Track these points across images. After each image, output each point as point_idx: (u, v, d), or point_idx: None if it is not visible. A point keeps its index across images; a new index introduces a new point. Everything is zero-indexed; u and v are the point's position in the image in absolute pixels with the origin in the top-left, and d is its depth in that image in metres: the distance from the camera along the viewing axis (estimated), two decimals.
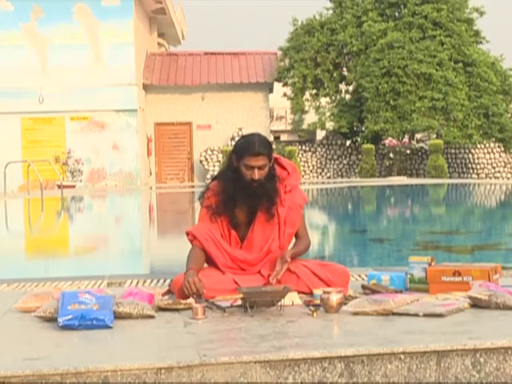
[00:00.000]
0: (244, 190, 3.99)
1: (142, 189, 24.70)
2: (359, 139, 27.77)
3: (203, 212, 4.15)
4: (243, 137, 4.07)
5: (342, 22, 27.93)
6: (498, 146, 28.05)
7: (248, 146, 3.97)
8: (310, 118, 30.16)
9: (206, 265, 4.13)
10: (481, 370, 2.86)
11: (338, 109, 27.91)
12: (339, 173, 28.25)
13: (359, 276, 4.81)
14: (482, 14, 28.13)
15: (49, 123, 25.98)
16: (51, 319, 3.44)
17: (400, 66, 26.07)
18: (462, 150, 28.09)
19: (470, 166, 28.10)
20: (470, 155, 28.21)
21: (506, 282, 4.05)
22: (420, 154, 28.15)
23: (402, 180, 24.73)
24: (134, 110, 26.03)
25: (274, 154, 4.12)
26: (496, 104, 26.56)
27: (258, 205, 4.04)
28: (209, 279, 3.92)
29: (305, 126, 31.19)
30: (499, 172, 28.14)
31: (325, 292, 3.58)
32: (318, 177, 28.12)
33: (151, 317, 3.52)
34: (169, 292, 4.03)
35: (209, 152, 27.39)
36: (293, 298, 3.78)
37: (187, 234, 4.12)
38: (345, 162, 28.41)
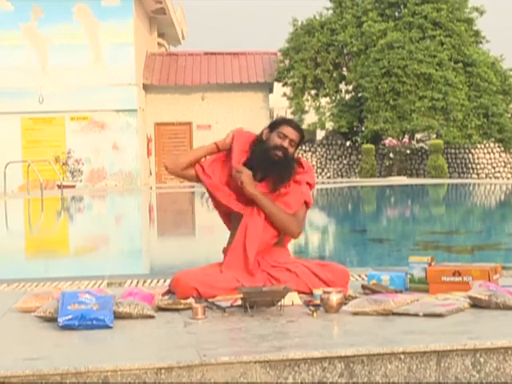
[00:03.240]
0: (266, 152, 4.08)
1: (142, 189, 24.68)
2: (359, 139, 27.75)
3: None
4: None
5: (342, 22, 27.92)
6: (498, 146, 28.03)
7: (287, 119, 4.30)
8: (310, 118, 30.14)
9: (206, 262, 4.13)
10: (481, 369, 2.86)
11: (337, 109, 27.89)
12: (339, 173, 28.25)
13: (359, 276, 4.81)
14: (481, 13, 28.12)
15: (49, 123, 25.96)
16: (51, 319, 3.44)
17: (400, 66, 26.05)
18: (462, 150, 28.08)
19: (469, 165, 28.09)
20: (470, 155, 28.19)
21: (506, 281, 4.05)
22: (420, 154, 28.13)
23: (402, 180, 24.71)
24: (134, 110, 26.02)
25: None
26: (496, 104, 26.54)
27: (271, 174, 4.09)
28: (209, 278, 3.92)
29: (305, 126, 31.13)
30: (499, 172, 28.14)
31: (325, 292, 3.59)
32: (318, 177, 28.10)
33: (151, 317, 3.52)
34: (169, 292, 4.03)
35: None
36: (293, 298, 3.78)
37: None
38: (345, 161, 28.41)
